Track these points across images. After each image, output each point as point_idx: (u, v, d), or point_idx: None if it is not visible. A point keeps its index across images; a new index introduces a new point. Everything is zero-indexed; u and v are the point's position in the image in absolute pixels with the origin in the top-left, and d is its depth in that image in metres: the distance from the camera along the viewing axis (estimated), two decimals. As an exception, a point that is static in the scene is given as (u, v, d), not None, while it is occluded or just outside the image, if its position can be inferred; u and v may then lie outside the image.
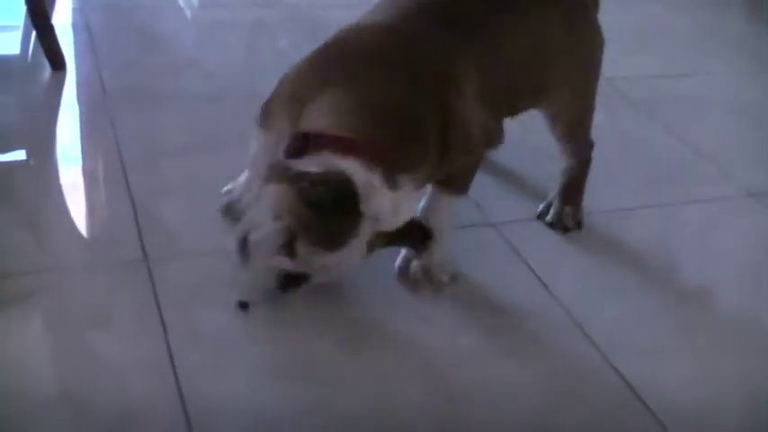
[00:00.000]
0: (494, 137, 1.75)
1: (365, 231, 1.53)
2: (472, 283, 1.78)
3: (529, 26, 1.76)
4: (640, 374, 1.59)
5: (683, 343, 1.69)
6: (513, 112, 1.84)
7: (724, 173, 2.28)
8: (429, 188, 1.73)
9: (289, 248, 1.52)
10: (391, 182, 1.52)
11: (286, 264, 1.54)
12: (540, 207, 2.01)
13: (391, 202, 1.52)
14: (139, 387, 1.46)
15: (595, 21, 1.92)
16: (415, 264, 1.74)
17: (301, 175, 1.51)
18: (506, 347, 1.63)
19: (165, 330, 1.57)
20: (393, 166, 1.53)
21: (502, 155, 2.19)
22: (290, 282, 1.58)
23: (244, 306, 1.63)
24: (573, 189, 2.01)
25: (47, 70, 2.42)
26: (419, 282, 1.73)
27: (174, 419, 1.41)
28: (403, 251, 1.76)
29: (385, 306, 1.69)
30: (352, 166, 1.50)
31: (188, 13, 2.95)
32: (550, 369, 1.60)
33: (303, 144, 1.56)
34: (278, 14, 2.87)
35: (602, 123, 2.45)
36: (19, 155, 2.11)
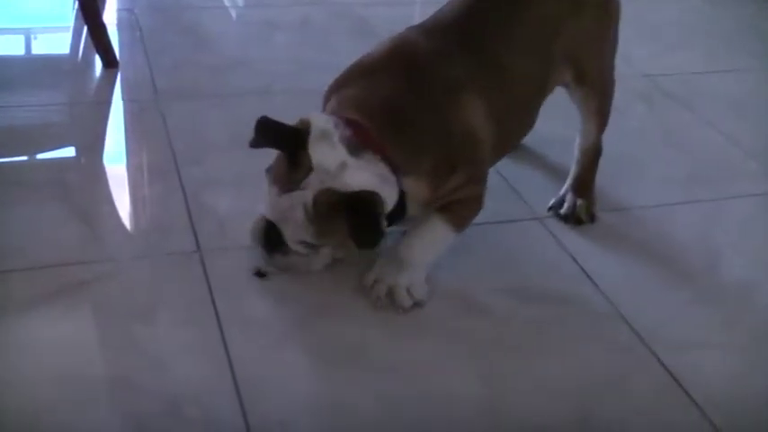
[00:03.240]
0: (495, 160, 1.81)
1: (314, 182, 1.56)
2: (518, 275, 1.80)
3: (534, 25, 1.80)
4: (684, 366, 1.60)
5: (725, 336, 1.70)
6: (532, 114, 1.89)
7: (765, 169, 2.28)
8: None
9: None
10: (354, 148, 1.57)
11: (265, 207, 1.64)
12: (553, 201, 2.01)
13: (341, 159, 1.56)
14: (194, 371, 1.50)
15: None
16: (381, 283, 1.69)
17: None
18: (552, 338, 1.65)
19: (218, 318, 1.61)
20: (370, 145, 1.58)
21: (548, 150, 2.22)
22: (271, 237, 1.64)
23: (260, 275, 1.69)
24: (585, 181, 2.02)
25: (97, 69, 2.48)
26: (380, 300, 1.68)
27: (229, 402, 1.44)
28: (372, 268, 1.72)
29: (434, 296, 1.71)
30: (322, 118, 1.60)
31: (235, 13, 3.00)
32: (595, 359, 1.61)
33: None
34: (323, 12, 2.91)
35: (644, 119, 2.48)
36: (73, 151, 2.16)
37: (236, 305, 1.65)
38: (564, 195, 2.01)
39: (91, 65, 2.51)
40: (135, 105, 2.32)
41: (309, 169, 1.56)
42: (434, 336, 1.63)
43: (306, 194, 1.56)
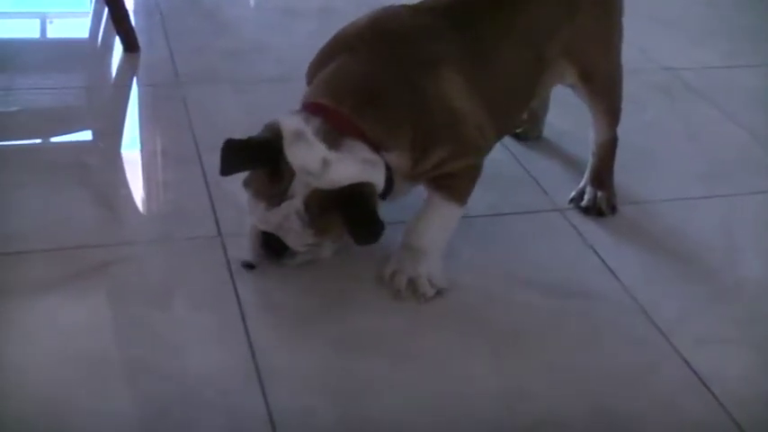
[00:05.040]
0: (488, 139, 1.72)
1: (299, 188, 1.53)
2: (539, 267, 1.79)
3: (527, 19, 1.77)
4: (705, 361, 1.59)
5: (745, 331, 1.69)
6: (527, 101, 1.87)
7: (788, 164, 2.28)
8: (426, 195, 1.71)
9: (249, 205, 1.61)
10: (332, 139, 1.52)
11: (256, 220, 1.61)
12: (573, 193, 2.01)
13: (322, 156, 1.51)
14: (216, 356, 1.50)
15: None
16: (401, 274, 1.67)
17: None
18: (572, 330, 1.65)
19: (239, 303, 1.61)
20: (346, 130, 1.54)
21: (568, 142, 2.22)
22: (273, 245, 1.62)
23: (248, 266, 1.68)
24: (603, 173, 2.01)
25: (117, 53, 2.48)
26: (400, 293, 1.67)
27: (250, 387, 1.45)
28: (390, 260, 1.70)
29: (454, 287, 1.70)
30: (289, 118, 1.55)
31: (255, -1, 3.01)
32: (615, 352, 1.61)
33: None
34: (343, 1, 2.89)
35: (664, 113, 2.47)
36: (94, 134, 2.16)
37: (258, 291, 1.65)
38: (584, 188, 2.00)
39: (110, 49, 2.52)
40: (156, 90, 2.32)
41: (292, 175, 1.53)
42: (454, 326, 1.63)
43: (295, 202, 1.54)
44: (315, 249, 1.63)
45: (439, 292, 1.68)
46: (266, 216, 1.58)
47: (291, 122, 1.54)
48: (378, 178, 1.56)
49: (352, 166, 1.53)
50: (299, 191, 1.53)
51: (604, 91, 1.94)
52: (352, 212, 1.54)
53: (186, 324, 1.56)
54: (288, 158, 1.52)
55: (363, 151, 1.54)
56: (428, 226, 1.68)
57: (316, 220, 1.56)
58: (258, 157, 1.56)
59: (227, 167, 1.55)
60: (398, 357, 1.54)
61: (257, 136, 1.57)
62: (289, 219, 1.56)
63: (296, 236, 1.58)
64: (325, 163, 1.51)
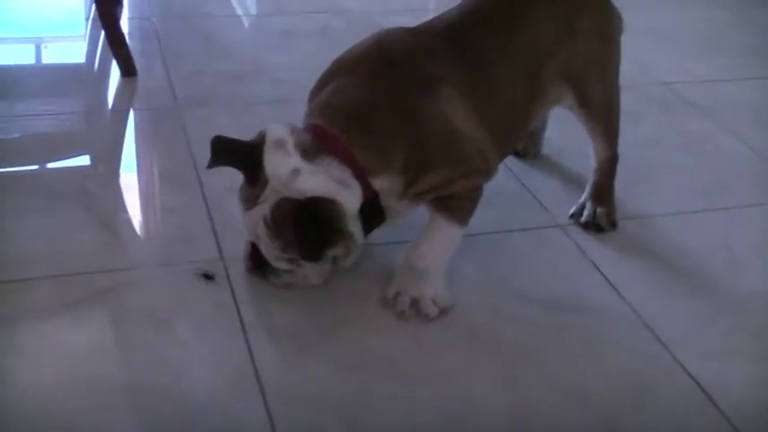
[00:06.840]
0: (490, 161, 1.71)
1: (271, 194, 1.55)
2: (542, 283, 1.79)
3: (525, 41, 1.79)
4: (709, 375, 1.59)
5: (749, 345, 1.69)
6: (527, 123, 1.88)
7: (787, 177, 2.28)
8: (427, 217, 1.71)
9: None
10: (311, 152, 1.54)
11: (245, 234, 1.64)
12: (573, 209, 2.01)
13: (294, 165, 1.53)
14: (220, 378, 1.50)
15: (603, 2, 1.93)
16: (404, 295, 1.67)
17: None
18: (577, 346, 1.65)
19: (242, 325, 1.61)
20: (335, 150, 1.55)
21: (567, 158, 2.23)
22: (255, 257, 1.65)
23: (208, 277, 1.70)
24: (604, 189, 2.01)
25: (115, 78, 2.48)
26: (405, 313, 1.66)
27: (255, 408, 1.44)
28: (392, 281, 1.71)
29: (458, 304, 1.70)
30: (277, 127, 1.58)
31: (253, 22, 3.01)
32: (620, 368, 1.60)
33: None
34: (342, 22, 2.91)
35: (662, 127, 2.48)
36: (95, 159, 2.16)
37: (261, 313, 1.65)
38: (584, 203, 2.01)
39: (108, 74, 2.52)
40: (155, 114, 2.33)
41: (266, 181, 1.55)
42: (459, 344, 1.63)
43: (264, 208, 1.56)
44: (297, 270, 1.64)
45: (443, 312, 1.68)
46: (244, 221, 1.61)
47: (276, 131, 1.57)
48: (348, 201, 1.56)
49: (322, 181, 1.54)
50: (269, 197, 1.56)
51: (601, 114, 1.95)
52: (301, 224, 1.54)
53: (190, 346, 1.56)
54: (264, 165, 1.55)
55: (341, 171, 1.56)
56: (430, 247, 1.68)
57: (280, 231, 1.56)
58: (241, 159, 1.59)
59: (215, 161, 1.59)
60: (403, 376, 1.54)
61: (246, 140, 1.60)
62: (258, 225, 1.57)
63: (266, 246, 1.59)
64: (295, 172, 1.53)
